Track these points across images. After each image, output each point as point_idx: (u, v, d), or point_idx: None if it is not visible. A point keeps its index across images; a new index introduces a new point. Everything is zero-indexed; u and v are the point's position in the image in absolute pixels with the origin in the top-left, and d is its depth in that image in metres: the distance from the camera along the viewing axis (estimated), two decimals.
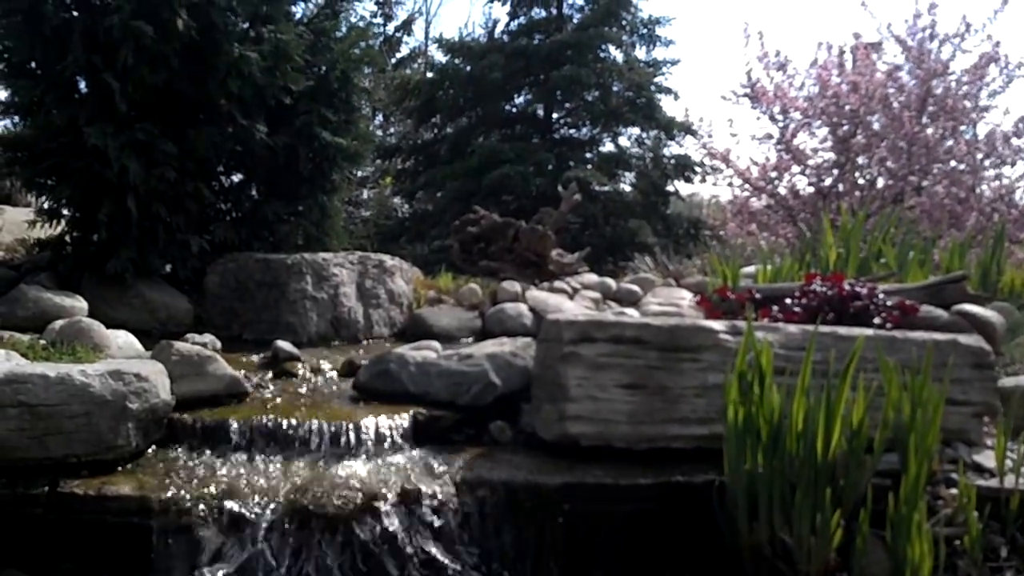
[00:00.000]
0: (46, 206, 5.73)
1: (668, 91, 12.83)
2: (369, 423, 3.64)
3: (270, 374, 4.39)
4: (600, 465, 3.46)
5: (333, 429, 3.58)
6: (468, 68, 12.92)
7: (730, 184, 11.10)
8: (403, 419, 3.73)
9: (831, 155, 10.13)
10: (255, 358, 4.61)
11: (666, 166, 12.49)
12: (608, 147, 13.11)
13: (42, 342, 4.17)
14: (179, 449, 3.53)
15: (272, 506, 3.10)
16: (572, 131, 13.26)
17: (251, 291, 5.28)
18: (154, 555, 3.02)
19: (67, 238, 5.66)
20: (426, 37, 20.42)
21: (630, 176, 12.91)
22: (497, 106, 13.01)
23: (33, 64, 5.42)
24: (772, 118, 10.50)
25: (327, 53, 6.21)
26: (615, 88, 12.51)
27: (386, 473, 3.38)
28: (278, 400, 4.01)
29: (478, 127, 13.23)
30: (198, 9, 5.31)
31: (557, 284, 6.24)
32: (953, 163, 9.55)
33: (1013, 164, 9.70)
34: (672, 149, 12.79)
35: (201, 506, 3.08)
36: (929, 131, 9.43)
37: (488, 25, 14.31)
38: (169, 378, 3.64)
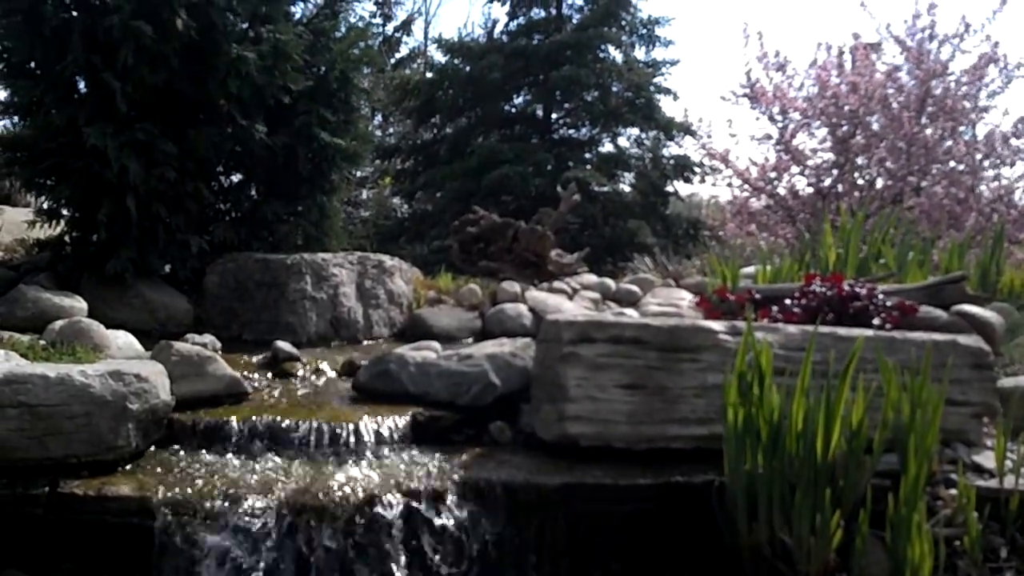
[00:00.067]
0: (45, 206, 5.73)
1: (667, 91, 12.84)
2: (369, 423, 3.64)
3: (270, 374, 4.39)
4: (599, 465, 3.46)
5: (333, 429, 3.59)
6: (467, 68, 12.92)
7: (729, 184, 11.12)
8: (403, 419, 3.74)
9: (830, 155, 10.14)
10: (255, 358, 4.61)
11: (665, 166, 12.50)
12: (607, 147, 13.12)
13: (42, 342, 4.17)
14: (179, 449, 3.53)
15: (272, 506, 3.10)
16: (571, 131, 13.26)
17: (251, 291, 5.28)
18: (154, 556, 3.02)
19: (66, 238, 5.66)
20: (425, 37, 20.43)
21: (629, 176, 12.91)
22: (496, 106, 13.01)
23: (33, 64, 5.42)
24: (771, 118, 10.52)
25: (326, 53, 6.21)
26: (614, 88, 12.51)
27: (386, 473, 3.37)
28: (278, 400, 4.02)
29: (477, 127, 13.23)
30: (197, 9, 5.31)
31: (556, 284, 6.24)
32: (952, 163, 9.56)
33: (1012, 164, 9.73)
34: (671, 149, 12.80)
35: (201, 506, 3.08)
36: (928, 131, 9.44)
37: (487, 25, 14.30)
38: (169, 378, 3.64)
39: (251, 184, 6.31)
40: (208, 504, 3.09)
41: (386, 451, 3.59)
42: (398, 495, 3.21)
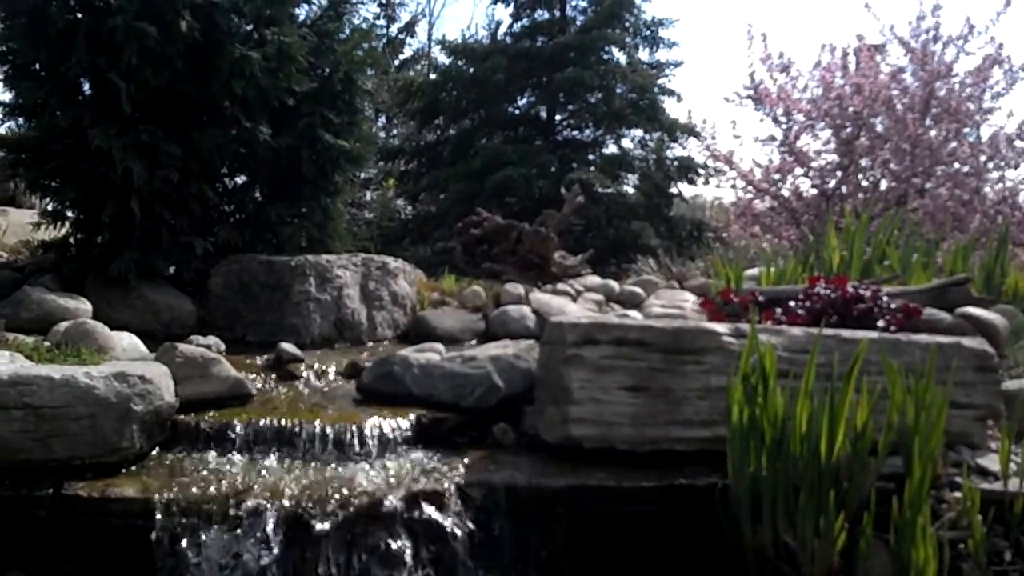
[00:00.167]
0: (50, 208, 5.73)
1: (671, 93, 12.83)
2: (373, 425, 3.64)
3: (274, 376, 4.39)
4: (603, 467, 3.46)
5: (337, 431, 3.59)
6: (471, 70, 12.92)
7: (733, 186, 11.12)
8: (407, 421, 3.74)
9: (834, 157, 10.14)
10: (259, 360, 4.62)
11: (669, 168, 12.49)
12: (611, 149, 13.11)
13: (46, 344, 4.18)
14: (183, 451, 3.54)
15: (276, 508, 3.10)
16: (575, 133, 13.26)
17: (255, 293, 5.28)
18: (157, 557, 3.02)
19: (71, 240, 5.67)
20: (429, 39, 20.42)
21: (633, 178, 12.90)
22: (500, 108, 13.01)
23: (37, 66, 5.42)
24: (775, 120, 10.51)
25: (330, 55, 6.21)
26: (618, 90, 12.50)
27: (390, 475, 3.38)
28: (282, 402, 4.02)
29: (481, 129, 13.23)
30: (201, 11, 5.31)
31: (560, 286, 6.24)
32: (956, 165, 9.56)
33: (1017, 166, 9.71)
34: (675, 151, 12.79)
35: (205, 508, 3.08)
36: (932, 133, 9.43)
37: (491, 27, 14.30)
38: (173, 380, 3.65)
39: (255, 186, 6.31)
40: (212, 506, 3.09)
41: (390, 453, 3.59)
42: (402, 497, 3.21)
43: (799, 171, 10.41)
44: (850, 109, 9.78)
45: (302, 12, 6.47)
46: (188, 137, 5.40)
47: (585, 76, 11.79)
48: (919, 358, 3.34)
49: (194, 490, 3.16)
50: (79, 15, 5.32)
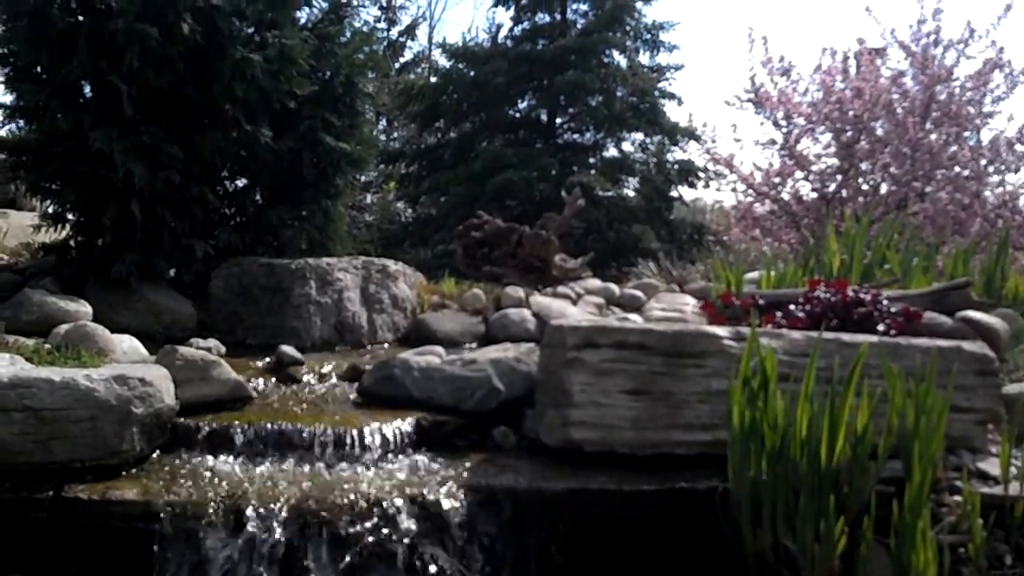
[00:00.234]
0: (51, 210, 5.73)
1: (672, 96, 12.86)
2: (373, 428, 3.64)
3: (274, 379, 4.39)
4: (603, 471, 3.46)
5: (337, 434, 3.59)
6: (472, 73, 12.94)
7: (734, 189, 11.13)
8: (407, 424, 3.74)
9: (835, 161, 10.15)
10: (259, 363, 4.61)
11: (670, 171, 12.51)
12: (612, 152, 13.14)
13: (47, 346, 4.17)
14: (183, 454, 3.54)
15: (276, 511, 3.10)
16: (576, 136, 13.28)
17: (255, 296, 5.28)
18: (158, 560, 3.02)
19: (72, 242, 5.67)
20: (430, 42, 20.46)
21: (634, 181, 12.93)
22: (500, 111, 13.03)
23: (38, 68, 5.42)
24: (776, 123, 10.53)
25: (331, 58, 6.21)
26: (619, 93, 12.53)
27: (390, 478, 3.38)
28: (282, 405, 4.02)
29: (482, 132, 13.25)
30: (203, 13, 5.32)
31: (561, 289, 6.23)
32: (957, 169, 9.56)
33: (1017, 170, 9.72)
34: (676, 154, 12.82)
35: (205, 511, 3.08)
36: (933, 137, 9.45)
37: (492, 30, 14.32)
38: (173, 383, 3.64)
39: (256, 189, 6.31)
40: (212, 509, 3.09)
41: (390, 456, 3.59)
42: (402, 500, 3.21)
43: (799, 175, 10.42)
44: (850, 113, 9.79)
45: (303, 15, 6.48)
46: (189, 140, 5.40)
47: (586, 79, 11.82)
48: (919, 362, 3.34)
49: (194, 493, 3.16)
50: (80, 17, 5.32)
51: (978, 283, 5.50)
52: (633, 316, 5.55)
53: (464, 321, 5.58)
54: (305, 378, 4.43)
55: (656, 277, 7.39)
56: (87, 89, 5.39)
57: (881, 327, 4.24)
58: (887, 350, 3.54)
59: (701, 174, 12.25)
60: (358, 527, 3.13)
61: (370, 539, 3.12)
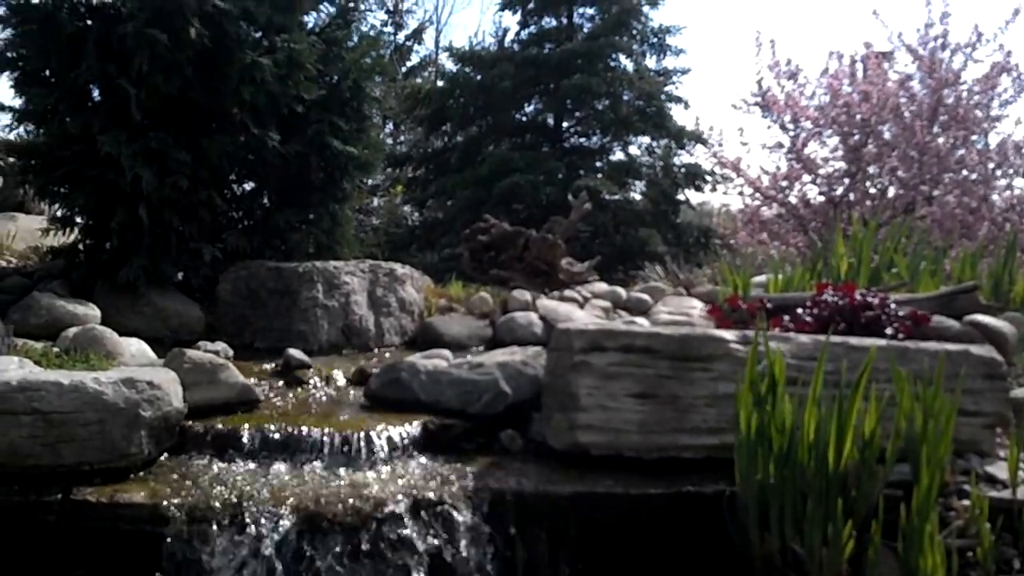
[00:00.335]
0: (59, 214, 5.75)
1: (678, 100, 12.88)
2: (380, 431, 3.64)
3: (281, 382, 4.40)
4: (610, 474, 3.46)
5: (345, 437, 3.59)
6: (478, 77, 12.97)
7: (741, 193, 11.10)
8: (414, 427, 3.74)
9: (842, 164, 10.12)
10: (267, 366, 4.63)
11: (676, 175, 12.52)
12: (618, 156, 13.16)
13: (55, 350, 4.19)
14: (191, 457, 3.54)
15: (284, 514, 3.11)
16: (582, 140, 13.30)
17: (263, 299, 5.29)
18: (166, 563, 3.03)
19: (80, 246, 5.69)
20: (436, 46, 20.49)
21: (640, 185, 12.95)
22: (507, 115, 13.06)
23: (47, 72, 5.45)
24: (783, 127, 10.50)
25: (339, 62, 6.23)
26: (625, 97, 12.55)
27: (397, 481, 3.38)
28: (290, 408, 4.03)
29: (488, 136, 13.27)
30: (211, 18, 5.33)
31: (567, 293, 6.24)
32: (964, 173, 9.54)
33: None
34: (682, 158, 12.84)
35: (213, 514, 3.09)
36: (940, 141, 9.42)
37: (498, 34, 14.35)
38: (182, 386, 3.65)
39: (264, 192, 6.33)
40: (220, 512, 3.10)
41: (398, 459, 3.59)
42: (410, 503, 3.21)
43: (807, 178, 10.40)
44: (858, 116, 9.77)
45: (311, 20, 6.50)
46: (197, 144, 5.42)
47: (592, 83, 11.83)
48: (927, 365, 3.33)
49: (203, 496, 3.16)
50: (89, 22, 5.34)
51: (986, 287, 5.48)
52: (640, 320, 5.55)
53: (471, 324, 5.59)
54: (312, 381, 4.44)
55: (663, 281, 7.40)
56: (96, 93, 5.42)
57: (889, 331, 4.23)
58: (895, 354, 3.53)
59: (708, 178, 12.26)
60: (365, 530, 3.13)
61: (377, 541, 3.12)
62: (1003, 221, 8.99)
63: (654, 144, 13.09)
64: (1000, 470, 3.52)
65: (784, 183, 10.53)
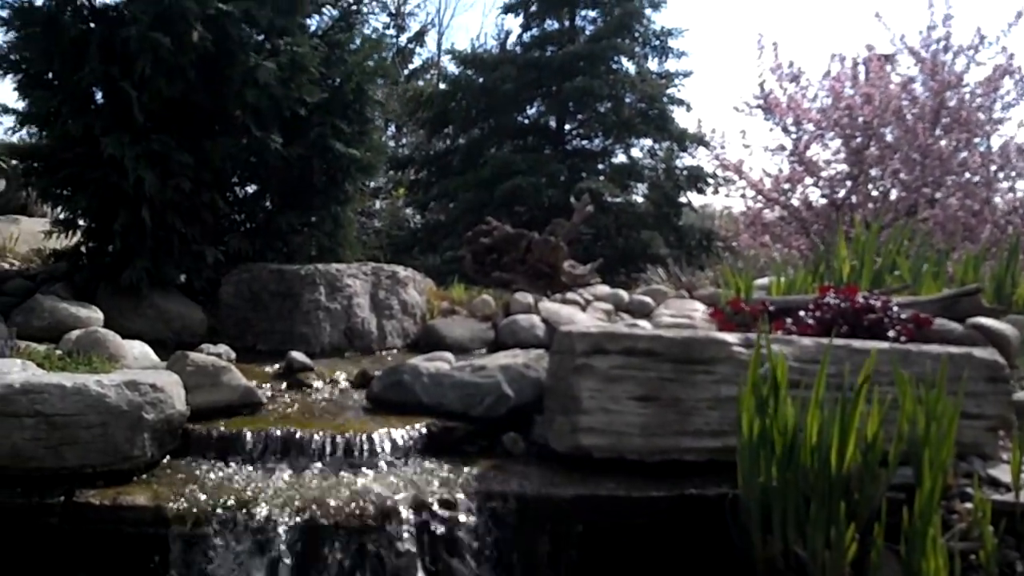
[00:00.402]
0: (62, 216, 5.76)
1: (681, 102, 12.87)
2: (383, 434, 3.64)
3: (284, 385, 4.41)
4: (612, 477, 3.46)
5: (347, 440, 3.59)
6: (480, 79, 12.97)
7: (743, 195, 11.09)
8: (416, 430, 3.74)
9: (844, 167, 10.12)
10: (269, 369, 4.63)
11: (678, 177, 12.51)
12: (620, 158, 13.16)
13: (58, 352, 4.19)
14: (194, 460, 3.54)
15: (286, 517, 3.11)
16: (584, 142, 13.30)
17: (265, 302, 5.30)
18: (169, 565, 3.03)
19: (83, 248, 5.70)
20: (439, 48, 20.52)
21: (642, 187, 12.94)
22: (509, 117, 13.06)
23: (50, 75, 5.47)
24: (785, 130, 10.50)
25: (341, 65, 6.23)
26: (627, 99, 12.55)
27: (399, 484, 3.38)
28: (292, 411, 4.03)
29: (490, 138, 13.28)
30: (214, 21, 5.34)
31: (569, 296, 6.24)
32: (967, 175, 9.53)
33: None
34: (685, 160, 12.83)
35: (216, 516, 3.09)
36: (943, 143, 9.42)
37: (500, 37, 14.38)
38: (184, 389, 3.65)
39: (266, 195, 6.34)
40: (223, 514, 3.10)
41: (400, 462, 3.60)
42: (412, 506, 3.21)
43: (809, 181, 10.39)
44: (860, 119, 9.76)
45: (313, 23, 6.51)
46: (200, 146, 5.42)
47: (594, 85, 11.83)
48: (930, 368, 3.33)
49: (205, 499, 3.17)
50: (92, 25, 5.36)
51: (988, 289, 5.48)
52: (642, 322, 5.55)
53: (473, 327, 5.59)
54: (315, 384, 4.44)
55: (665, 283, 7.40)
56: (98, 96, 5.43)
57: (891, 333, 4.23)
58: (897, 356, 3.53)
59: (710, 180, 12.25)
60: (367, 532, 3.13)
61: (379, 544, 3.13)
62: (1005, 224, 8.99)
63: (656, 146, 13.09)
64: (1003, 473, 3.51)
65: (786, 185, 10.53)
